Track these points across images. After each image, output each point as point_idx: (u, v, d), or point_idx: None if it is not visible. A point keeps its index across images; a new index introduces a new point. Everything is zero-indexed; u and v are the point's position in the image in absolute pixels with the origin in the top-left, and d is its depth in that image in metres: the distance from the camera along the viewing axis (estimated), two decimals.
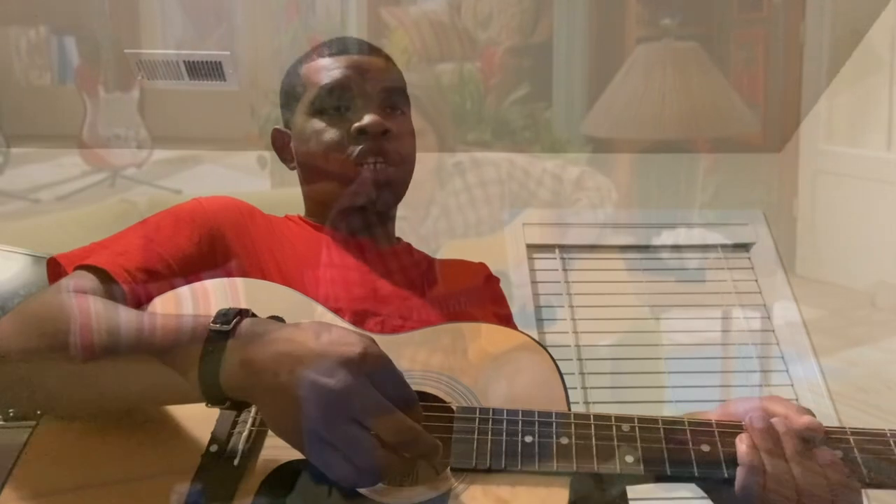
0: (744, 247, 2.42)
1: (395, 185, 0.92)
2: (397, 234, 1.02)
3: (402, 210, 0.98)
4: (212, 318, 0.56)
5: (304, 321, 0.57)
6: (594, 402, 2.08)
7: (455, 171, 2.72)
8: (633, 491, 0.80)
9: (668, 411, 2.04)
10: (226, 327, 0.54)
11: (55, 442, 0.62)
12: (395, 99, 0.94)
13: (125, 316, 0.61)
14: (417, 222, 2.57)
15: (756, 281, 2.34)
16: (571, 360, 2.14)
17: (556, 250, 2.38)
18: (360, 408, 0.50)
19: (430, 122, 2.62)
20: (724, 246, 2.40)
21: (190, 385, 0.54)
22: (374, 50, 0.97)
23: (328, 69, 0.92)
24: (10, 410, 1.28)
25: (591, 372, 2.14)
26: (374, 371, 0.52)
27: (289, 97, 0.97)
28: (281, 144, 0.99)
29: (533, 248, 2.37)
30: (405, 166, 0.94)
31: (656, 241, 2.40)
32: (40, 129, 2.63)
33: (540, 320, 2.23)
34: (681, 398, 2.07)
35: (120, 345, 0.59)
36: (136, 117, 2.63)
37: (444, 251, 2.41)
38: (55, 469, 0.60)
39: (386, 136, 0.89)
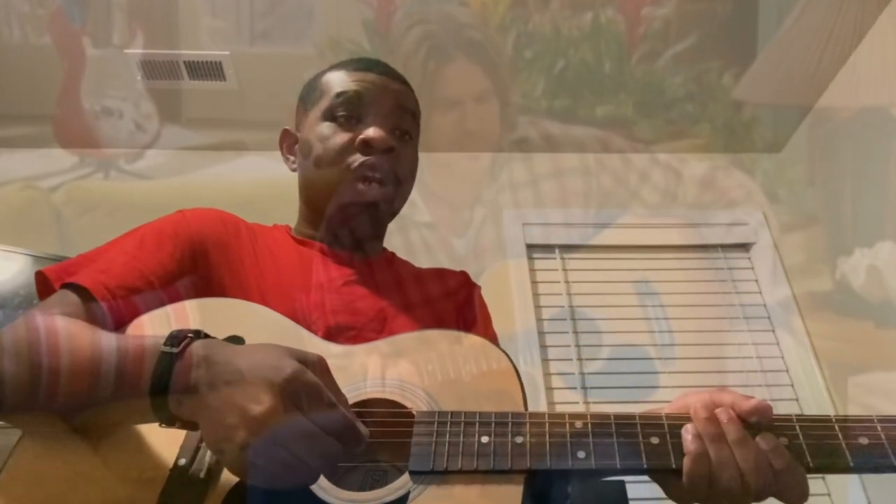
0: (744, 247, 2.41)
1: (385, 206, 0.92)
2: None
3: (431, 215, 0.96)
4: (164, 340, 0.57)
5: (254, 343, 0.60)
6: (593, 402, 2.08)
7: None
8: (633, 491, 0.81)
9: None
10: (174, 349, 0.56)
11: (31, 459, 0.63)
12: (406, 122, 0.94)
13: (88, 337, 0.63)
14: (460, 227, 2.26)
15: (756, 281, 2.34)
16: (571, 360, 2.14)
17: (556, 250, 2.38)
18: (283, 429, 0.52)
19: (492, 81, 2.14)
20: (724, 246, 2.40)
21: (142, 405, 0.56)
22: (395, 74, 0.98)
23: (347, 80, 0.93)
24: None
25: (591, 372, 2.14)
26: (299, 392, 0.53)
27: (304, 102, 0.99)
28: (287, 145, 1.01)
29: (533, 248, 2.37)
30: (400, 190, 0.93)
31: (656, 241, 2.40)
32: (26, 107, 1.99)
33: (540, 320, 2.23)
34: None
35: (79, 365, 0.60)
36: (138, 84, 1.88)
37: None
38: (29, 485, 0.62)
39: (389, 155, 0.89)
